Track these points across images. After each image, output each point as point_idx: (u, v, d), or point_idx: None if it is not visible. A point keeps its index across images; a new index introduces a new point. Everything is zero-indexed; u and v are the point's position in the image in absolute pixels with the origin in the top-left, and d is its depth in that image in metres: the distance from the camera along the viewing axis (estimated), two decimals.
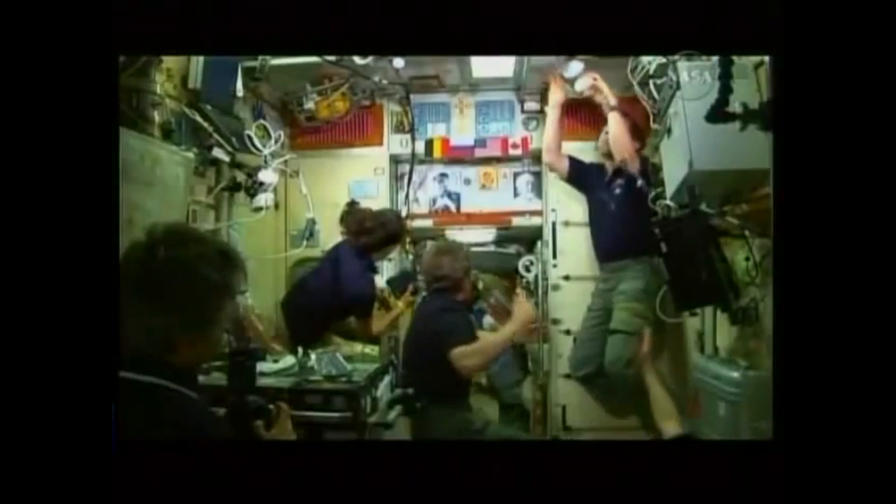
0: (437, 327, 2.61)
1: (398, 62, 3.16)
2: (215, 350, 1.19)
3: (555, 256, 3.57)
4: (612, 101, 3.01)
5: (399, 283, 3.32)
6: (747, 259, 2.20)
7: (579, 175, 3.34)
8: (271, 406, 1.30)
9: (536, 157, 3.76)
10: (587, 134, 3.49)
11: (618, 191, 3.10)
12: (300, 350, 2.66)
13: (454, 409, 2.63)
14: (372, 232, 3.06)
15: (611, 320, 3.00)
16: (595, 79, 3.05)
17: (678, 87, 2.09)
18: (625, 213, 3.05)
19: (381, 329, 3.15)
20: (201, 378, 1.23)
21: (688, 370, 2.92)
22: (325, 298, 2.99)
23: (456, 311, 2.73)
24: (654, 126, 2.64)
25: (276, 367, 2.50)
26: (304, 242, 3.28)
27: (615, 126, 2.99)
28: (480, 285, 3.31)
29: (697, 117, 1.90)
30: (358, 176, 3.65)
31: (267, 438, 1.25)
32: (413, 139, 3.67)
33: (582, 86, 3.11)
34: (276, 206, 3.24)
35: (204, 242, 1.16)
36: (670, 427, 2.35)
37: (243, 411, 1.28)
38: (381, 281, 3.31)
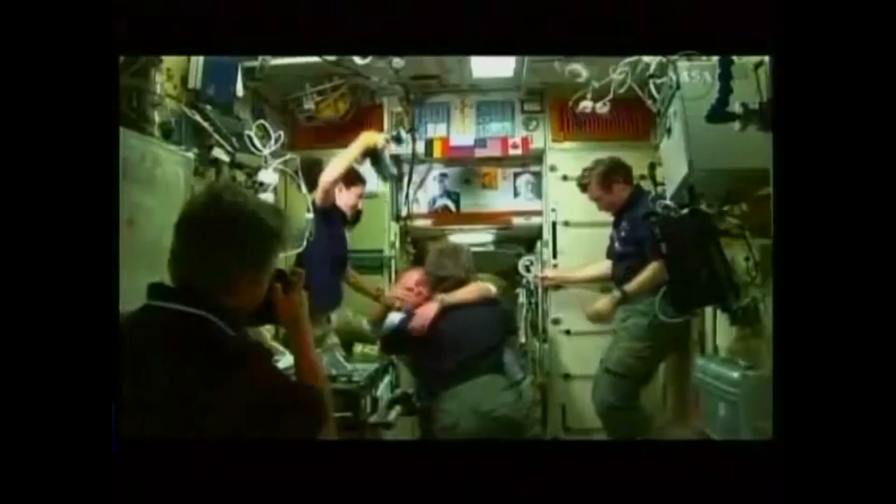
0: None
1: (398, 62, 3.15)
2: (260, 299, 1.25)
3: (555, 256, 3.57)
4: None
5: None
6: (747, 259, 2.20)
7: None
8: (289, 271, 1.35)
9: (537, 158, 3.76)
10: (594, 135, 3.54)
11: (623, 234, 3.08)
12: None
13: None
14: None
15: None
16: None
17: (678, 87, 2.09)
18: (627, 256, 3.03)
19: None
20: None
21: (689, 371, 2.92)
22: None
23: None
24: None
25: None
26: (304, 242, 3.27)
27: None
28: None
29: (697, 117, 1.90)
30: None
31: (282, 303, 1.30)
32: (413, 139, 3.67)
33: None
34: None
35: (257, 197, 1.35)
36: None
37: None
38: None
